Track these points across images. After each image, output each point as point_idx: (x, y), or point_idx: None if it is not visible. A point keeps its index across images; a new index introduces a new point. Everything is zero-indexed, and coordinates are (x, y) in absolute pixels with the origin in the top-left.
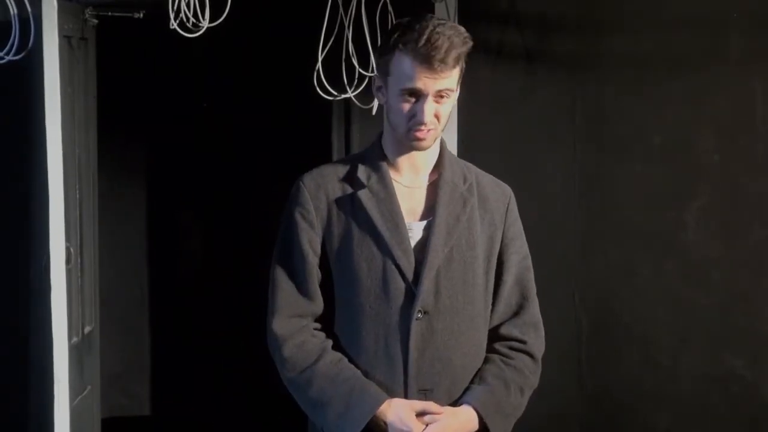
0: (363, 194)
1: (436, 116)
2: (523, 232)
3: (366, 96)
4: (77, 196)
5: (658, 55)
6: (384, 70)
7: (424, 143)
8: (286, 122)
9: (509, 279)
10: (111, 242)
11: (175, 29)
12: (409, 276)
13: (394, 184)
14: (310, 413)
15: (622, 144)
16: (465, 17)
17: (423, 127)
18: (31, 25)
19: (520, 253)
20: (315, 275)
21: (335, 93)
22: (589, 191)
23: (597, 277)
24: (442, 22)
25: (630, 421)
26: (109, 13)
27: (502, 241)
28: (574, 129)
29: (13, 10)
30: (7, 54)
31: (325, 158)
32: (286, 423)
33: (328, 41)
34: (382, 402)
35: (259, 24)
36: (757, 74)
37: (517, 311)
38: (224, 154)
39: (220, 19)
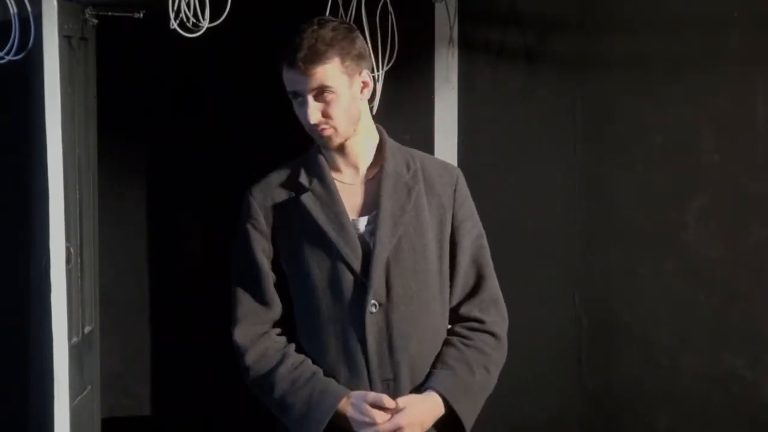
0: (306, 198)
1: (326, 115)
2: (474, 211)
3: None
4: (77, 196)
5: (659, 54)
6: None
7: (330, 142)
8: (286, 122)
9: (464, 260)
10: (111, 242)
11: (175, 29)
12: (358, 270)
13: (336, 183)
14: (277, 414)
15: (623, 144)
16: (465, 17)
17: (316, 128)
18: (31, 24)
19: (472, 233)
20: (270, 282)
21: None
22: (589, 191)
23: (597, 277)
24: (326, 21)
25: (630, 421)
26: (109, 13)
27: (452, 224)
28: (575, 129)
29: (12, 9)
30: (7, 54)
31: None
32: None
33: None
34: (341, 399)
35: (260, 24)
36: (758, 74)
37: (475, 290)
38: (224, 154)
39: (221, 19)
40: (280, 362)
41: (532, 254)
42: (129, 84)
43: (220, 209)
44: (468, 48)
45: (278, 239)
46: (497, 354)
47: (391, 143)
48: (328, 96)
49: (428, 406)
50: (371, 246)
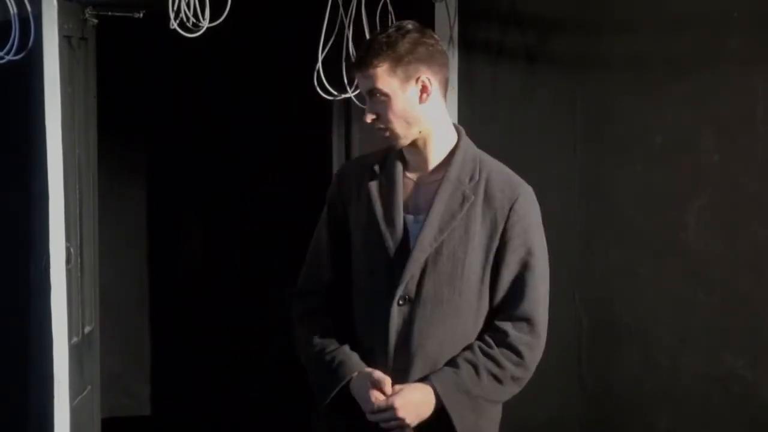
0: (372, 185)
1: (379, 117)
2: (532, 232)
3: None
4: (77, 196)
5: (659, 54)
6: None
7: (391, 141)
8: (286, 122)
9: (505, 275)
10: (111, 242)
11: (175, 29)
12: (397, 266)
13: (404, 179)
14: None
15: (623, 144)
16: (465, 17)
17: (375, 124)
18: (31, 24)
19: (519, 252)
20: (328, 253)
21: (335, 93)
22: (589, 191)
23: (597, 277)
24: (400, 26)
25: (630, 421)
26: (109, 13)
27: (500, 239)
28: (575, 129)
29: (13, 9)
30: (7, 54)
31: (325, 158)
32: (286, 423)
33: (329, 41)
34: (350, 375)
35: (259, 24)
36: (758, 74)
37: (513, 307)
38: (224, 154)
39: (220, 19)
40: (319, 329)
41: None
42: (129, 84)
43: (220, 209)
44: (468, 48)
45: (348, 215)
46: (516, 370)
47: (464, 149)
48: (379, 98)
49: (423, 397)
50: (412, 245)
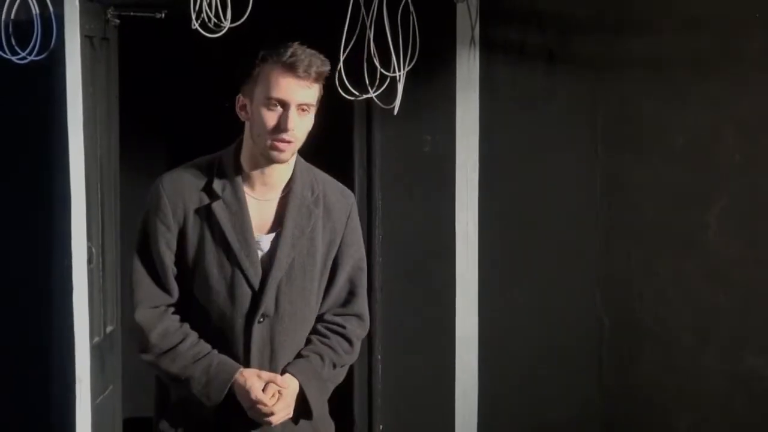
0: (217, 206)
1: (296, 131)
2: (360, 236)
3: (388, 96)
4: (99, 196)
5: (680, 55)
6: (251, 85)
7: (283, 155)
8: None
9: (341, 278)
10: (132, 242)
11: (196, 29)
12: (255, 285)
13: (247, 197)
14: (173, 387)
15: (643, 144)
16: (486, 17)
17: (285, 136)
18: (53, 25)
19: (354, 257)
20: (171, 273)
21: (357, 93)
22: (610, 192)
23: (618, 278)
24: (304, 47)
25: (651, 421)
26: (131, 13)
27: (339, 246)
28: (595, 129)
29: (35, 10)
30: (30, 54)
31: (347, 158)
32: None
33: (350, 41)
34: (237, 371)
35: (281, 24)
36: None
37: (344, 304)
38: None
39: (242, 19)
40: (182, 340)
41: (552, 255)
42: (150, 84)
43: None
44: (489, 48)
45: (183, 235)
46: (347, 357)
47: (302, 165)
48: (306, 113)
49: (292, 389)
50: (270, 265)
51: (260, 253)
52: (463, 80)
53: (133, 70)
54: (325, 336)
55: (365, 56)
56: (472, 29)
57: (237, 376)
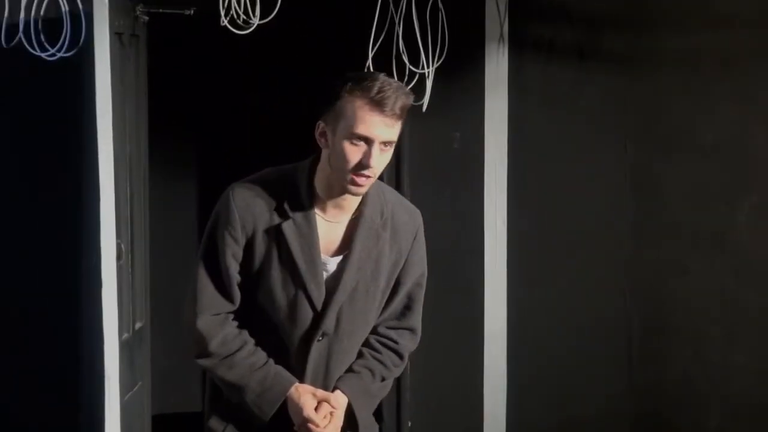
0: (287, 226)
1: (376, 167)
2: (424, 254)
3: (417, 93)
4: (128, 192)
5: (710, 51)
6: (333, 115)
7: (361, 189)
8: None
9: (401, 294)
10: (162, 238)
11: (225, 26)
12: (318, 306)
13: (317, 218)
14: (227, 392)
15: (674, 141)
16: (516, 14)
17: (366, 173)
18: (83, 21)
19: (416, 274)
20: (235, 282)
21: None
22: (640, 189)
23: (648, 276)
24: (389, 78)
25: (680, 419)
26: (160, 10)
27: (403, 266)
28: (625, 126)
29: (64, 6)
30: (59, 50)
31: None
32: None
33: (379, 38)
34: (292, 386)
35: (310, 21)
36: None
37: (399, 318)
38: (274, 150)
39: (271, 16)
40: (240, 348)
41: (582, 252)
42: (179, 80)
43: None
44: (518, 45)
45: (251, 250)
46: (396, 370)
47: (375, 187)
48: (387, 149)
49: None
50: (335, 288)
51: (325, 275)
52: (491, 77)
53: (162, 67)
54: (377, 351)
55: (394, 53)
56: (501, 26)
57: (292, 390)
